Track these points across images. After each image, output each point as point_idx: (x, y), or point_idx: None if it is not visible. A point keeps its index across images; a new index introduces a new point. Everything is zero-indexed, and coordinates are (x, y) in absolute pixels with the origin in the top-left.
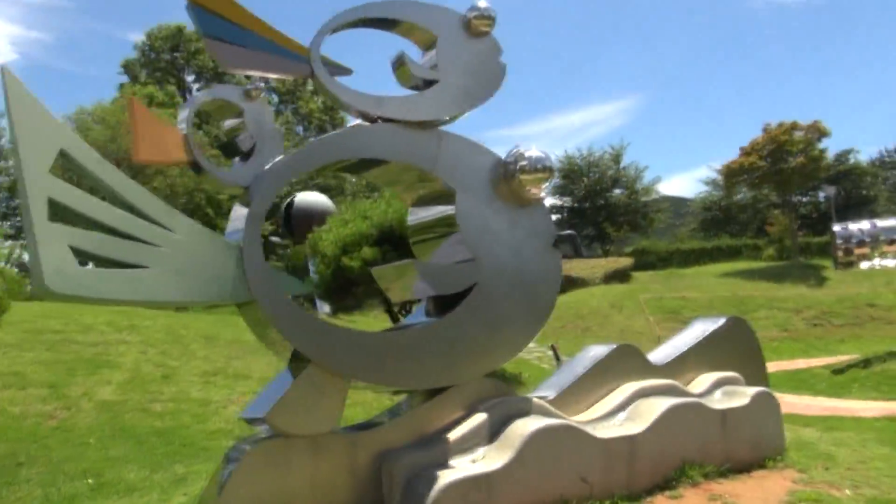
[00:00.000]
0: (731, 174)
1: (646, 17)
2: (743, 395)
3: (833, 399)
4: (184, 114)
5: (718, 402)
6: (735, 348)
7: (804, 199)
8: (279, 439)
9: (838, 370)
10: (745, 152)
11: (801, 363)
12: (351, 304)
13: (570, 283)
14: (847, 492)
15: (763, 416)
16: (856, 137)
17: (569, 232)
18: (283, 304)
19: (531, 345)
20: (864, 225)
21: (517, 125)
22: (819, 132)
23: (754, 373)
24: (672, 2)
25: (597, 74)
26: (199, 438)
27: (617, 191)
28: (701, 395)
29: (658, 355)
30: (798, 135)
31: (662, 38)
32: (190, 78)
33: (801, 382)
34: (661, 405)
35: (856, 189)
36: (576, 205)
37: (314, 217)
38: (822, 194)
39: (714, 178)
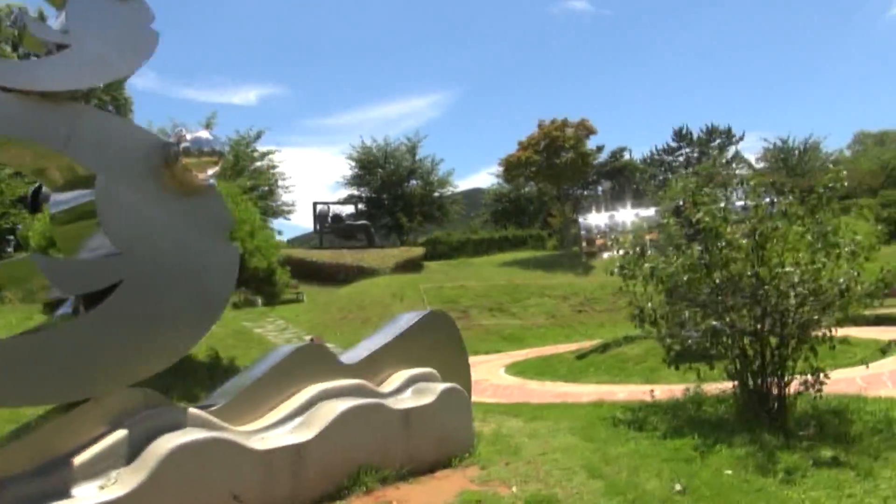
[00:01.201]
0: (511, 167)
1: (460, 16)
2: (430, 393)
3: (569, 384)
4: None
5: (405, 401)
6: (435, 342)
7: (585, 192)
8: None
9: (581, 355)
10: (523, 147)
11: (561, 348)
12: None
13: (361, 273)
14: (514, 489)
15: (450, 413)
16: (631, 137)
17: (362, 222)
18: None
19: (307, 337)
20: (603, 217)
21: (335, 114)
22: (587, 130)
23: (455, 367)
24: (482, 4)
25: (413, 68)
26: None
27: (413, 182)
28: (390, 395)
29: (353, 353)
30: (569, 132)
31: (474, 37)
32: None
33: (548, 368)
34: (336, 409)
35: (629, 183)
36: (373, 195)
37: None
38: (600, 188)
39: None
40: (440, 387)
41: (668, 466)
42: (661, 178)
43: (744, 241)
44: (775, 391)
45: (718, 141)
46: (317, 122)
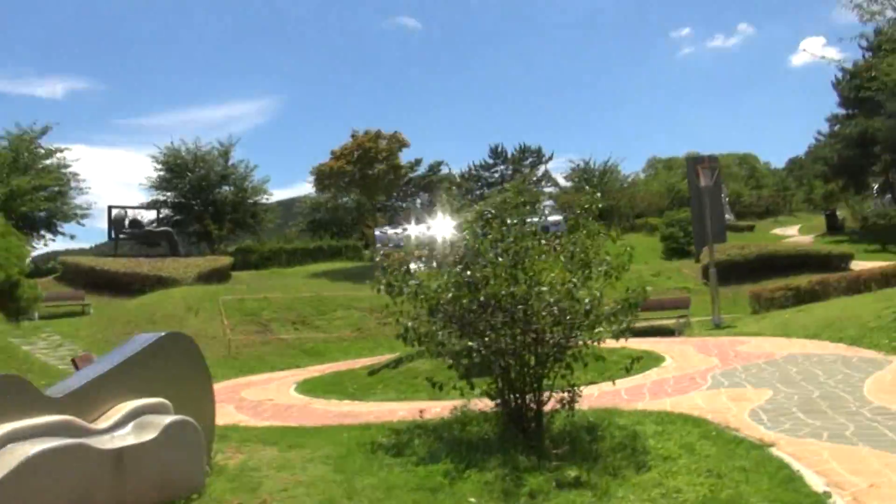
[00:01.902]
0: (322, 177)
1: (292, 22)
2: (153, 428)
3: (355, 402)
4: None
5: (121, 438)
6: (171, 368)
7: (403, 205)
8: None
9: (373, 371)
10: (335, 156)
11: (361, 362)
12: None
13: (160, 283)
14: None
15: (176, 449)
16: (452, 151)
17: (164, 228)
18: None
19: (81, 353)
20: (399, 229)
21: (153, 114)
22: (399, 142)
23: (195, 396)
24: (316, 11)
25: (241, 71)
26: None
27: (225, 188)
28: (105, 432)
29: (67, 383)
30: (383, 143)
31: (305, 44)
32: None
33: (338, 385)
34: (22, 454)
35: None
36: (181, 200)
37: None
38: (418, 200)
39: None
40: (165, 420)
41: (413, 498)
42: (477, 192)
43: (500, 260)
44: (534, 409)
45: (530, 160)
46: (132, 122)
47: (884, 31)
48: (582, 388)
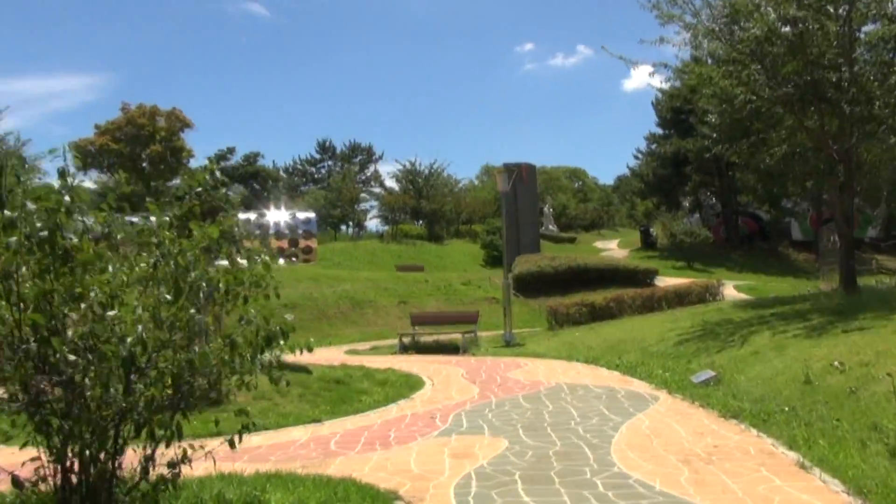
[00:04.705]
0: (84, 154)
1: None
2: None
3: None
4: None
5: None
6: None
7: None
8: None
9: None
10: (101, 132)
11: None
12: None
13: None
14: None
15: None
16: (278, 144)
17: None
18: None
19: None
20: None
21: None
22: (181, 122)
23: None
24: None
25: (63, 42)
26: None
27: None
28: None
29: None
30: (161, 122)
31: (142, 21)
32: None
33: None
34: None
35: (263, 189)
36: None
37: None
38: (230, 191)
39: None
40: None
41: None
42: (303, 188)
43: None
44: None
45: (360, 157)
46: None
47: (692, 41)
48: (221, 441)
